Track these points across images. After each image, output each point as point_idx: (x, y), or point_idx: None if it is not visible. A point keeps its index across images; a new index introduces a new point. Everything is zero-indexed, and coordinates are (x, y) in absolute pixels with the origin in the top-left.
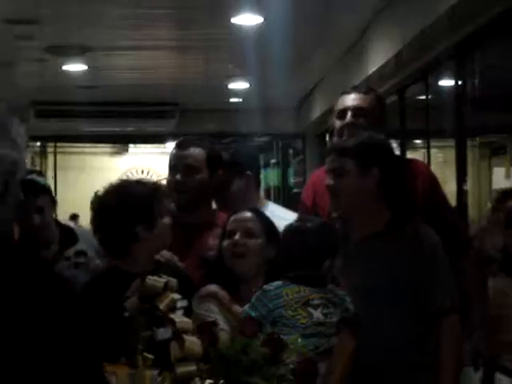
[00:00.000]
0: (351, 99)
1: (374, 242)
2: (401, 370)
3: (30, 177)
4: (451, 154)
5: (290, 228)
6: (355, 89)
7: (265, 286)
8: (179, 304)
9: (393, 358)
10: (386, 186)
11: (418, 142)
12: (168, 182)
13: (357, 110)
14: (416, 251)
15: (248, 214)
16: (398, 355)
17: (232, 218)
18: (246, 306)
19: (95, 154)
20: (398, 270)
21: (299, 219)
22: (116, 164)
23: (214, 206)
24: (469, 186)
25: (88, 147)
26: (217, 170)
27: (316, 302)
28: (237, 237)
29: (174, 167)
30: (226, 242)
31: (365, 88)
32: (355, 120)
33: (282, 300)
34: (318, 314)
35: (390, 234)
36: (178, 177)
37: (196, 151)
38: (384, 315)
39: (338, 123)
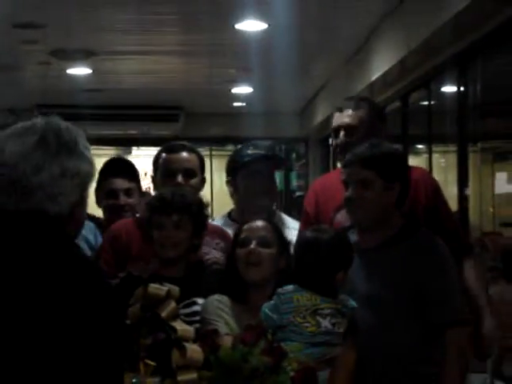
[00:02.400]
0: (341, 118)
1: (384, 250)
2: (407, 380)
3: None
4: (453, 159)
5: (304, 239)
6: (347, 104)
7: (278, 290)
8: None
9: (399, 367)
10: (403, 197)
11: (420, 146)
12: (166, 185)
13: (348, 129)
14: (424, 261)
15: (262, 223)
16: (403, 365)
17: (246, 226)
18: (265, 306)
19: (99, 156)
20: (406, 279)
21: (314, 229)
22: None
23: None
24: (470, 190)
25: (92, 149)
26: (203, 173)
27: (326, 311)
28: (252, 245)
29: (171, 171)
30: (240, 251)
31: (355, 103)
32: (346, 139)
33: (292, 305)
34: (326, 324)
35: (400, 243)
36: (180, 179)
37: (192, 155)
38: (391, 324)
39: (333, 141)
